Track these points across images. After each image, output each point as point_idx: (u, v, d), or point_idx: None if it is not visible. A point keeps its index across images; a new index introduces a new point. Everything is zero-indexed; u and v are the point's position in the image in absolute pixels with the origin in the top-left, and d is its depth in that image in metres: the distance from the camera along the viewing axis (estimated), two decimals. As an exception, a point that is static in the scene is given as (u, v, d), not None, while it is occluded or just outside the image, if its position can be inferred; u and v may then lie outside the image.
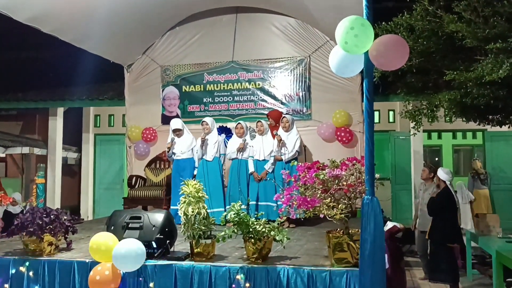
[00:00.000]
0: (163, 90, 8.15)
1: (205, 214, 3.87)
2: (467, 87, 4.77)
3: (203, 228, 3.84)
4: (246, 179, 6.13)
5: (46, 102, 9.29)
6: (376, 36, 3.27)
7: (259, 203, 6.00)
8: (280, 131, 6.13)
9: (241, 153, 6.14)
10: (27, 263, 4.01)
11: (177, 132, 6.46)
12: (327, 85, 7.40)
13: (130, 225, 4.05)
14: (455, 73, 4.79)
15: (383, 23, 5.20)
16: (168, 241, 3.98)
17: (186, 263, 3.78)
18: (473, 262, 6.72)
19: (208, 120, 6.41)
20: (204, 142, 6.21)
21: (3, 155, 9.67)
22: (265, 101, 7.72)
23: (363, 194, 3.36)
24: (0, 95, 9.47)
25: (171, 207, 6.29)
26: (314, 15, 6.92)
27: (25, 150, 9.48)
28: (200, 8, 7.80)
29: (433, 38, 5.06)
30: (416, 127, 5.97)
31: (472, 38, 4.55)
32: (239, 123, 6.40)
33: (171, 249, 4.05)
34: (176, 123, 6.62)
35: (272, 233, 3.72)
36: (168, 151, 6.45)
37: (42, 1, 5.62)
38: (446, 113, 5.63)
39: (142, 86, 8.28)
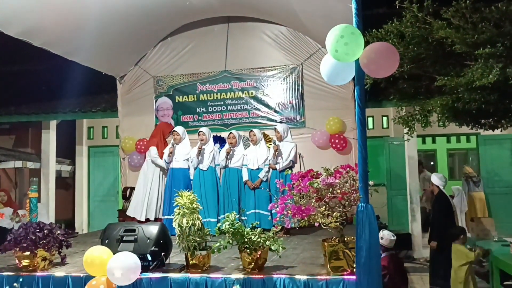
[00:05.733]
0: (156, 101, 8.16)
1: (200, 225, 3.85)
2: (458, 92, 4.79)
3: (198, 239, 3.82)
4: (238, 188, 6.11)
5: (38, 115, 9.24)
6: (367, 43, 3.28)
7: (252, 211, 5.97)
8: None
9: (230, 160, 6.13)
10: (20, 279, 3.96)
11: (176, 136, 6.40)
12: (320, 93, 7.43)
13: (124, 238, 4.02)
14: (446, 78, 4.82)
15: (374, 30, 5.23)
16: (163, 253, 3.94)
17: (182, 275, 3.75)
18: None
19: (204, 130, 6.40)
20: (200, 152, 6.20)
21: (-4, 169, 9.61)
22: (259, 109, 7.73)
23: (358, 202, 3.36)
24: (-8, 109, 9.43)
25: (163, 216, 6.21)
26: (305, 23, 6.96)
27: (18, 164, 9.39)
28: (191, 19, 7.83)
29: (423, 44, 5.09)
30: (409, 132, 5.99)
31: (461, 44, 4.58)
32: (231, 132, 6.40)
33: (166, 261, 4.02)
34: (178, 127, 6.65)
35: (268, 243, 3.70)
36: (169, 155, 6.30)
37: (33, 15, 5.63)
38: (439, 118, 5.66)
39: (135, 97, 8.29)
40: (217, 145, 6.85)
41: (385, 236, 4.69)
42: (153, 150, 6.84)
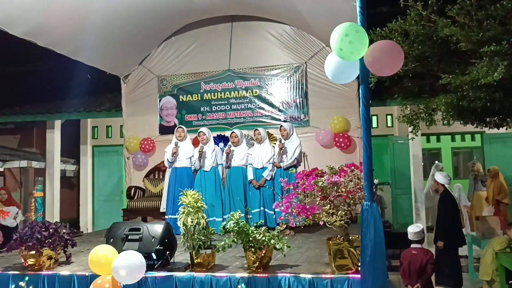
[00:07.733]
0: (160, 100, 8.17)
1: (205, 224, 3.86)
2: (463, 90, 4.77)
3: (203, 238, 3.82)
4: (243, 187, 6.11)
5: (43, 115, 9.26)
6: (371, 41, 3.28)
7: (257, 210, 5.97)
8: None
9: (231, 160, 6.13)
10: (26, 278, 3.99)
11: (181, 132, 6.38)
12: (324, 91, 7.42)
13: (129, 237, 4.04)
14: (450, 76, 4.80)
15: (378, 28, 5.22)
16: (168, 252, 3.96)
17: (187, 274, 3.76)
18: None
19: (205, 130, 6.39)
20: (202, 154, 6.19)
21: (1, 169, 9.64)
22: (263, 108, 7.73)
23: (363, 200, 3.36)
24: (-3, 109, 9.47)
25: (167, 216, 6.22)
26: (309, 22, 6.95)
27: (23, 163, 9.44)
28: (195, 18, 7.84)
29: (428, 42, 5.07)
30: (414, 131, 5.97)
31: (466, 42, 4.56)
32: (233, 132, 6.40)
33: (171, 260, 4.03)
34: (181, 125, 6.64)
35: (272, 241, 3.71)
36: (172, 156, 6.24)
37: (38, 15, 5.65)
38: (444, 116, 5.63)
39: (139, 97, 8.30)
40: (221, 144, 6.84)
41: (409, 230, 4.82)
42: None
